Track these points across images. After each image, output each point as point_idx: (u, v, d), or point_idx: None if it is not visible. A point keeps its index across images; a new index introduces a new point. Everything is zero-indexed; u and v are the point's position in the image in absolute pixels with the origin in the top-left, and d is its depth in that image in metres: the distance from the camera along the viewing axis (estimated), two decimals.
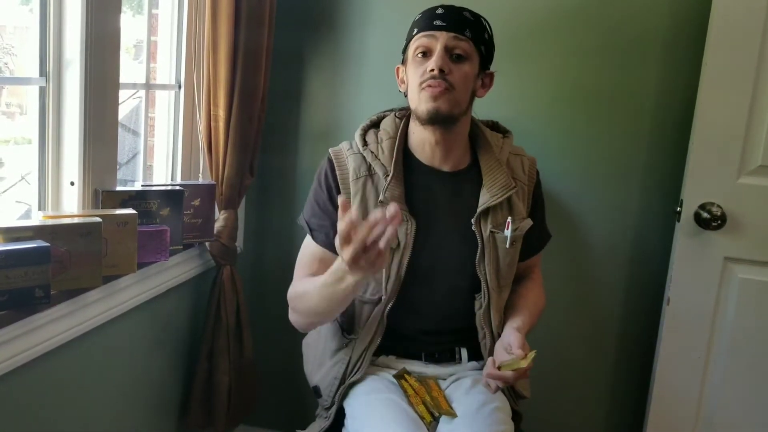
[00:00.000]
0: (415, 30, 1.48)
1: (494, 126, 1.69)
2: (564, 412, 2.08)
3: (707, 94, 1.74)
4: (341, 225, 1.19)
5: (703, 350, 1.85)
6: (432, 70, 1.41)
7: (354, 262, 1.20)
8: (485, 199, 1.51)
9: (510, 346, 1.42)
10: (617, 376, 2.04)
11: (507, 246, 1.51)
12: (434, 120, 1.45)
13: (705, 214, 1.77)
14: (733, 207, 1.77)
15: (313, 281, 1.46)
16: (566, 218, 1.97)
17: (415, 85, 1.46)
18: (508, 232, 1.50)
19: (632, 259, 1.97)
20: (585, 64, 1.90)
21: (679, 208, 1.81)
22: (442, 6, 1.48)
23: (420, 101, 1.45)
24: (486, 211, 1.51)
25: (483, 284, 1.52)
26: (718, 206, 1.77)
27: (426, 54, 1.45)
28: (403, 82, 1.54)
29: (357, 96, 2.06)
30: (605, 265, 1.98)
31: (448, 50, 1.43)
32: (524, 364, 1.35)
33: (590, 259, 1.99)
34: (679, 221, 1.81)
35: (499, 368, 1.39)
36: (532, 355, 1.36)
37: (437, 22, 1.44)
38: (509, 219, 1.50)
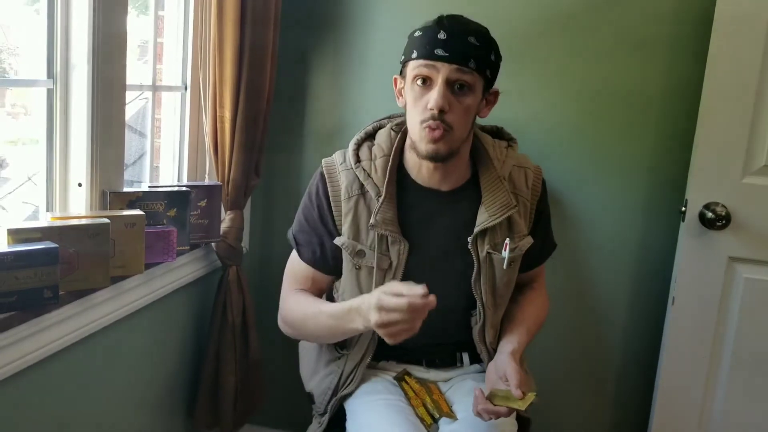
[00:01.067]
0: (414, 53, 1.36)
1: (498, 132, 1.63)
2: (568, 411, 2.08)
3: (711, 93, 1.74)
4: (399, 301, 1.21)
5: (708, 350, 1.86)
6: (431, 109, 1.33)
7: (383, 327, 1.23)
8: (483, 218, 1.45)
9: (506, 378, 1.34)
10: (622, 376, 2.04)
11: (504, 267, 1.46)
12: (434, 159, 1.40)
13: (709, 214, 1.77)
14: (738, 207, 1.77)
15: (317, 305, 1.45)
16: (571, 218, 1.97)
17: (414, 118, 1.38)
18: (505, 254, 1.45)
19: (637, 259, 1.97)
20: (589, 65, 1.90)
21: (683, 208, 1.82)
22: (444, 29, 1.34)
23: (420, 139, 1.38)
24: (484, 231, 1.46)
25: (479, 303, 1.49)
26: (723, 206, 1.77)
27: (426, 82, 1.36)
28: (401, 95, 1.45)
29: (362, 96, 2.06)
30: (610, 265, 1.99)
31: (449, 82, 1.34)
32: (522, 407, 1.27)
33: (595, 259, 1.99)
34: (683, 221, 1.82)
35: (492, 397, 1.32)
36: (530, 398, 1.27)
37: (439, 51, 1.32)
38: (507, 240, 1.45)
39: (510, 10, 1.91)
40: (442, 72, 1.33)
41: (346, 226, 1.46)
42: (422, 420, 1.43)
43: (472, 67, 1.33)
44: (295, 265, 1.55)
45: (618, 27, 1.87)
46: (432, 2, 1.92)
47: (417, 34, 1.38)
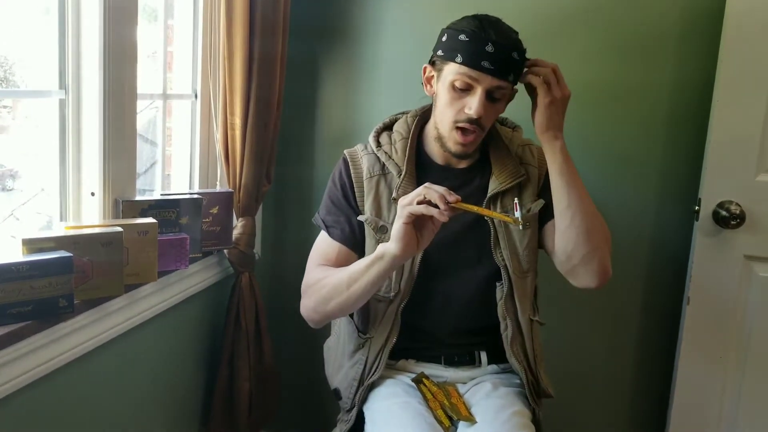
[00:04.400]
0: (459, 57, 1.40)
1: (502, 122, 1.70)
2: (585, 412, 2.07)
3: (724, 91, 1.73)
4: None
5: (724, 349, 1.84)
6: (470, 115, 1.41)
7: (406, 212, 1.29)
8: (494, 186, 1.52)
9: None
10: (638, 377, 2.03)
11: (520, 228, 1.49)
12: (460, 157, 1.52)
13: (723, 213, 1.76)
14: (752, 205, 1.76)
15: (338, 269, 1.48)
16: None
17: (448, 117, 1.45)
18: (518, 213, 1.46)
19: (651, 259, 1.96)
20: (600, 64, 1.90)
21: (697, 207, 1.81)
22: (492, 41, 1.38)
23: (450, 138, 1.47)
24: (495, 197, 1.52)
25: (503, 270, 1.52)
26: (737, 204, 1.76)
27: (465, 89, 1.42)
28: (430, 85, 1.51)
29: (371, 102, 2.07)
30: (624, 265, 1.97)
31: (488, 92, 1.41)
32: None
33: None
34: (697, 220, 1.81)
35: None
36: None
37: (485, 64, 1.38)
38: (516, 200, 1.49)
39: (518, 9, 1.90)
40: (484, 83, 1.40)
41: (368, 205, 1.53)
42: (440, 422, 1.43)
43: (510, 81, 1.42)
44: (321, 246, 1.58)
45: (628, 25, 1.87)
46: (441, 8, 1.93)
47: (462, 37, 1.40)
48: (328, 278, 1.48)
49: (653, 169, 1.91)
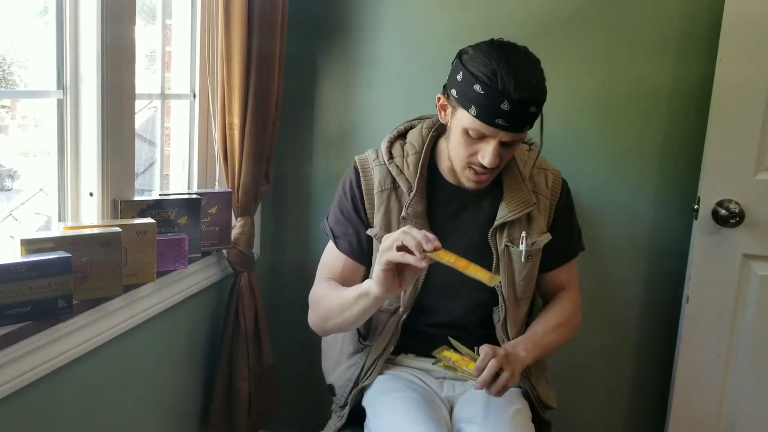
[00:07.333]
0: (473, 109, 1.32)
1: None
2: (584, 412, 2.07)
3: (723, 91, 1.73)
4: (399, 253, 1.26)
5: (723, 348, 1.84)
6: (482, 163, 1.38)
7: (385, 258, 1.27)
8: (503, 213, 1.50)
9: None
10: (637, 376, 2.03)
11: (522, 260, 1.51)
12: (474, 191, 1.49)
13: (723, 212, 1.76)
14: (751, 203, 1.76)
15: (337, 290, 1.49)
16: (582, 219, 1.96)
17: (460, 155, 1.41)
18: (522, 247, 1.49)
19: (650, 258, 1.96)
20: (600, 64, 1.90)
21: (696, 206, 1.80)
22: (508, 98, 1.28)
23: (463, 175, 1.45)
24: (503, 225, 1.51)
25: (500, 297, 1.53)
26: (736, 203, 1.76)
27: (479, 138, 1.37)
28: (444, 112, 1.45)
29: (370, 102, 2.06)
30: (623, 264, 1.97)
31: (502, 142, 1.36)
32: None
33: (608, 259, 1.98)
34: (696, 219, 1.81)
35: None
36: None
37: (500, 122, 1.31)
38: (524, 234, 1.49)
39: (516, 11, 1.90)
40: (498, 136, 1.35)
41: (378, 218, 1.52)
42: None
43: (526, 130, 1.37)
44: (328, 258, 1.59)
45: (628, 26, 1.86)
46: (440, 7, 1.93)
47: (477, 88, 1.31)
48: (326, 298, 1.50)
49: (653, 167, 1.91)
